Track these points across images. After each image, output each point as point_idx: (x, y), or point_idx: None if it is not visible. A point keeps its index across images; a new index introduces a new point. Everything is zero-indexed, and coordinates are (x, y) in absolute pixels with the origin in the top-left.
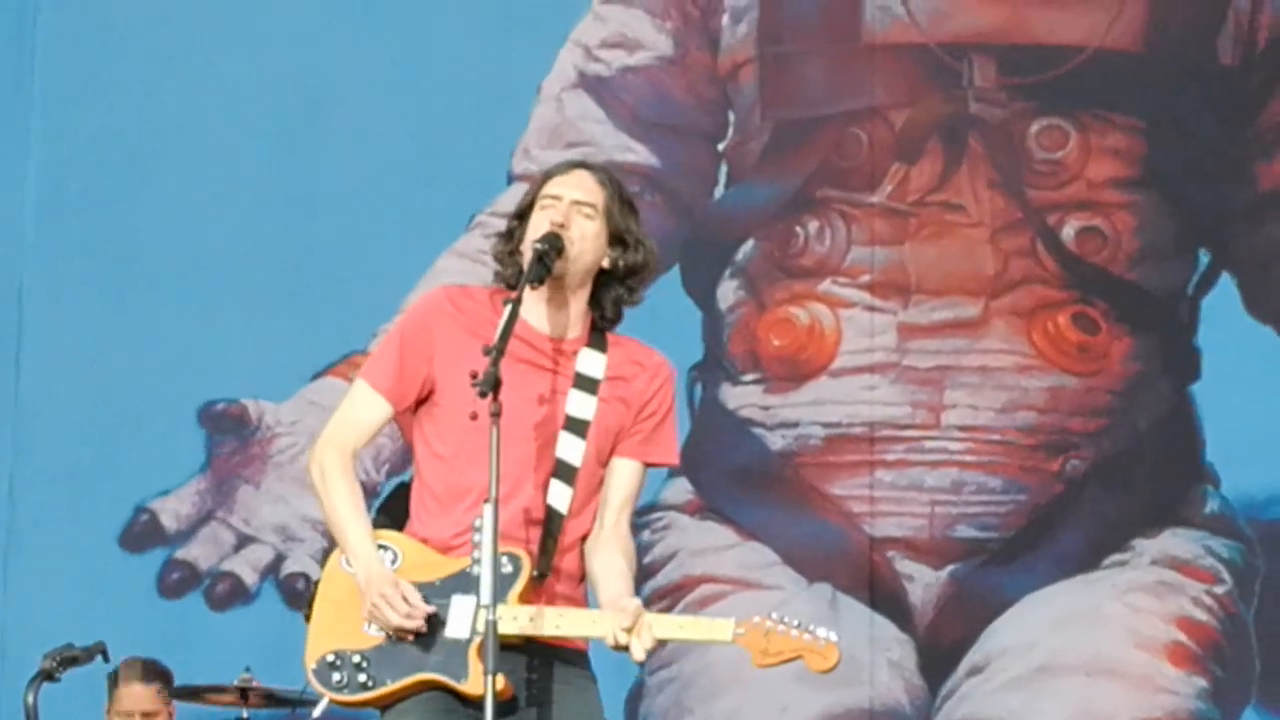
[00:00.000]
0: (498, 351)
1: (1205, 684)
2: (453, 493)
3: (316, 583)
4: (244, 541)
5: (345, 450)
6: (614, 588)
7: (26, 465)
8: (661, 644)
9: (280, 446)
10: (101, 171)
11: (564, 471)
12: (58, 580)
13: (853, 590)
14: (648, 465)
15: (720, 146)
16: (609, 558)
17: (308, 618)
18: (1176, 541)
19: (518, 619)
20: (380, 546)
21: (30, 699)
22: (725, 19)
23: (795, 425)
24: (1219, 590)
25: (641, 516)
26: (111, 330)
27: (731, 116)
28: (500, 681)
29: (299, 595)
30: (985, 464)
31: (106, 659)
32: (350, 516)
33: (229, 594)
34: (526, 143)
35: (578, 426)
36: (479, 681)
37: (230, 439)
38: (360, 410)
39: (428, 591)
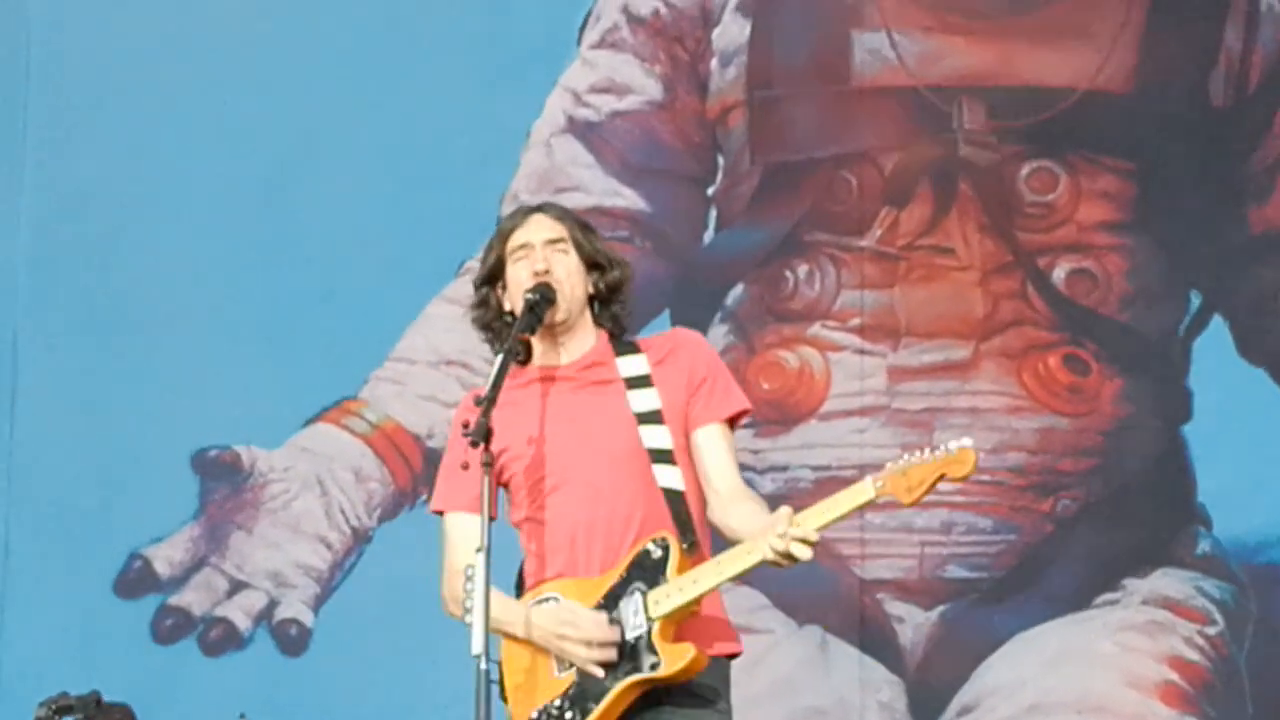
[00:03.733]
0: (489, 401)
1: None
2: (555, 535)
3: (498, 663)
4: (237, 587)
5: (460, 574)
6: (756, 522)
7: (21, 512)
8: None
9: (273, 493)
10: (93, 221)
11: (661, 456)
12: (52, 627)
13: (842, 632)
14: (727, 421)
15: (709, 191)
16: (740, 506)
17: (504, 695)
18: (1168, 581)
19: (683, 589)
20: (542, 600)
21: None
22: (714, 63)
23: (785, 469)
24: (1211, 631)
25: None
26: (105, 378)
27: (720, 160)
28: (688, 651)
29: (292, 641)
30: (975, 504)
31: (100, 709)
32: (496, 608)
33: (222, 640)
34: (516, 188)
35: (652, 417)
36: (673, 657)
37: (223, 485)
38: (453, 534)
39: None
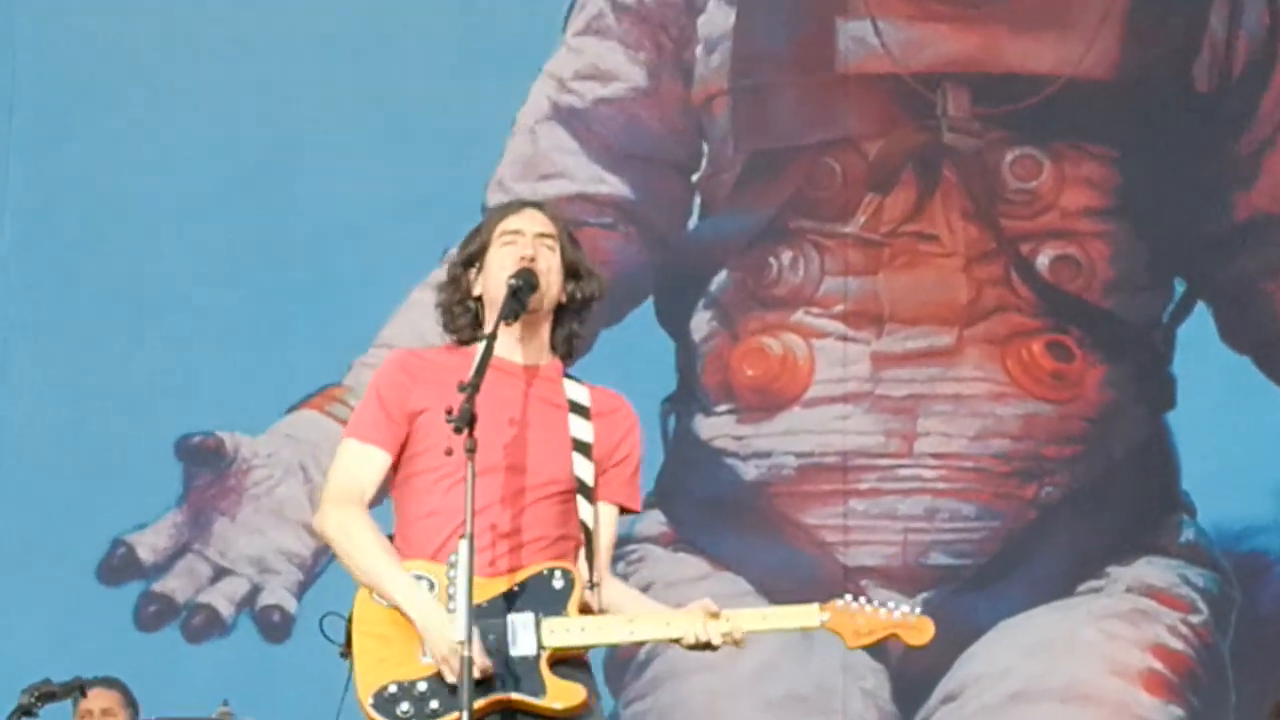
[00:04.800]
0: (473, 387)
1: (1181, 713)
2: (457, 518)
3: (348, 619)
4: (220, 574)
5: (357, 504)
6: (628, 601)
7: (4, 499)
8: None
9: (256, 479)
10: (78, 211)
11: (585, 491)
12: (35, 614)
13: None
14: (622, 511)
15: (694, 177)
16: (613, 583)
17: (345, 655)
18: (1152, 570)
19: (585, 629)
20: (418, 577)
21: None
22: (699, 50)
23: (768, 455)
24: (1195, 619)
25: (616, 549)
26: (89, 366)
27: (705, 147)
28: (578, 695)
29: (275, 627)
30: (959, 491)
31: (84, 695)
32: (387, 563)
33: (205, 626)
34: (501, 175)
35: (585, 450)
36: (559, 694)
37: (207, 471)
38: (357, 466)
39: (477, 614)
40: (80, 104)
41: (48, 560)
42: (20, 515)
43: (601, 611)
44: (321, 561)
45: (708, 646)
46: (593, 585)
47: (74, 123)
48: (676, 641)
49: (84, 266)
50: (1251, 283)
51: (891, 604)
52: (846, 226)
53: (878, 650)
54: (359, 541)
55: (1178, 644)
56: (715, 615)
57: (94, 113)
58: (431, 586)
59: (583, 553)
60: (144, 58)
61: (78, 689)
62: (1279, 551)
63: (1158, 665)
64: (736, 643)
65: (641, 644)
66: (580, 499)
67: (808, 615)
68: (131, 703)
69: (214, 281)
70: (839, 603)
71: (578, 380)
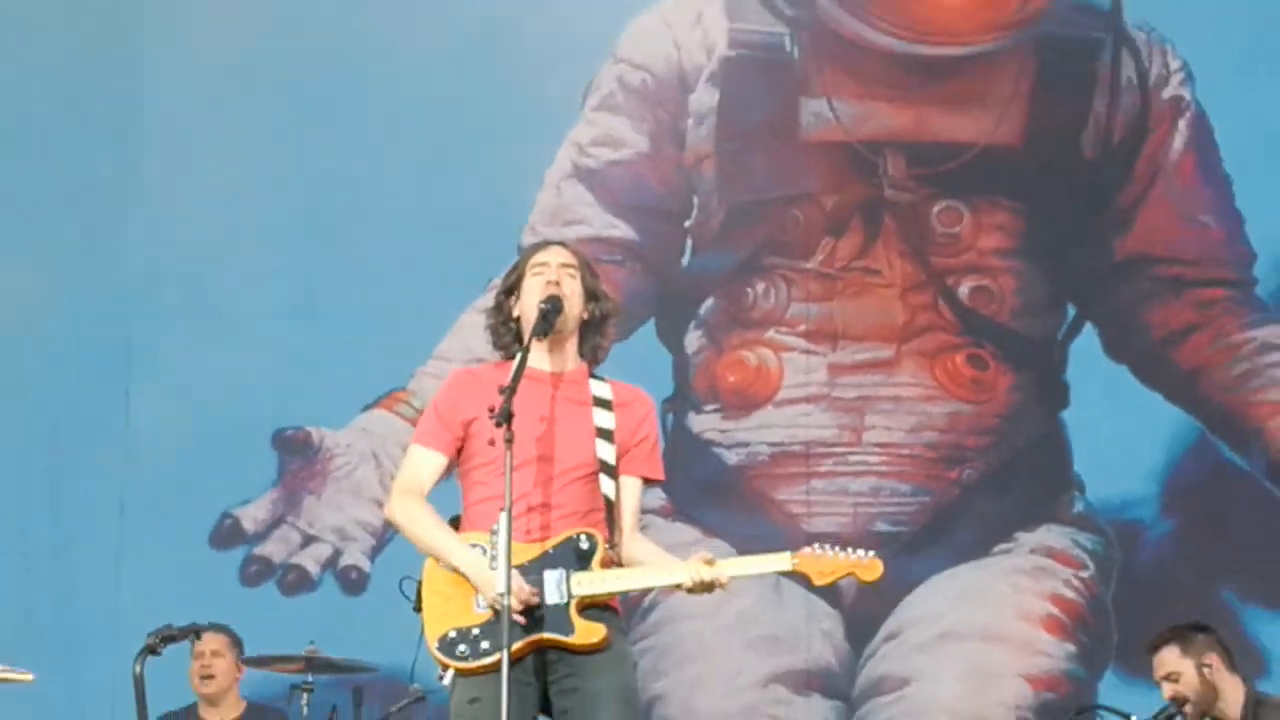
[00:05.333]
0: (510, 390)
1: (1075, 649)
2: (498, 503)
3: (419, 582)
4: (308, 541)
5: (418, 495)
6: (650, 553)
7: (135, 482)
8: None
9: (338, 465)
10: (193, 244)
11: (607, 469)
12: (160, 572)
13: (793, 576)
14: (646, 482)
15: (686, 224)
16: (637, 541)
17: (417, 610)
18: (1050, 535)
19: (606, 580)
20: (473, 545)
21: (138, 669)
22: (690, 122)
23: (747, 445)
24: (1085, 575)
25: None
26: (202, 372)
27: (695, 200)
28: (600, 631)
29: (353, 583)
30: (898, 473)
31: (199, 638)
32: (444, 536)
33: (297, 583)
34: (532, 221)
35: (607, 435)
36: (584, 633)
37: (297, 459)
38: (418, 465)
39: (519, 572)
40: (196, 146)
41: (170, 529)
42: (148, 494)
43: (624, 565)
44: (389, 531)
45: (705, 589)
46: (612, 545)
47: (190, 163)
48: (679, 587)
49: (198, 292)
50: (1128, 308)
51: (849, 549)
52: (808, 263)
53: (833, 599)
54: (421, 523)
55: (1071, 594)
56: (710, 563)
57: (208, 154)
58: (485, 552)
59: (614, 522)
60: (251, 114)
61: (194, 632)
62: (1150, 520)
63: (1055, 611)
64: (723, 586)
65: (652, 589)
66: (603, 476)
67: (782, 560)
68: (237, 644)
69: (304, 305)
70: (806, 550)
71: (602, 379)
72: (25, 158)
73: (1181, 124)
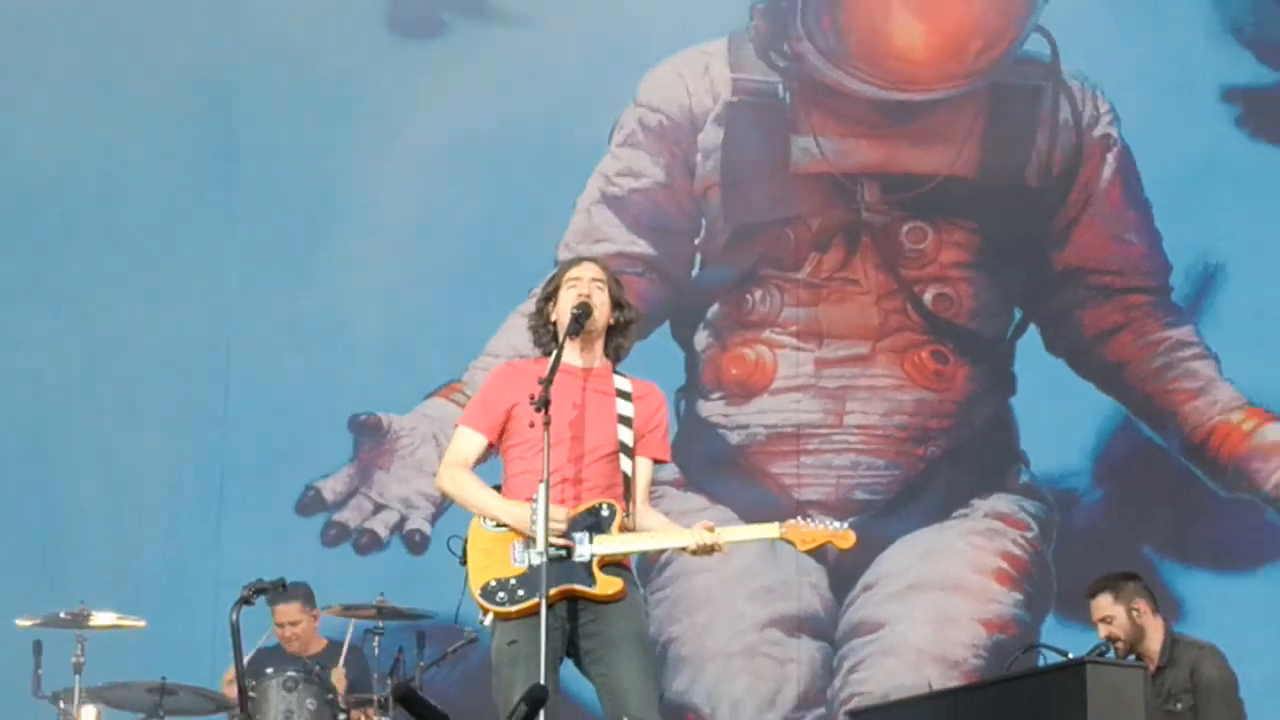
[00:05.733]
0: (548, 382)
1: (1021, 597)
2: (537, 476)
3: (465, 540)
4: (379, 509)
5: (462, 466)
6: (674, 525)
7: (233, 460)
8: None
9: (404, 445)
10: (286, 255)
11: (626, 450)
12: (254, 536)
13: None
14: (656, 462)
15: (696, 242)
16: (650, 513)
17: (463, 564)
18: (1001, 502)
19: (622, 543)
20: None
21: (234, 617)
22: (699, 157)
23: (747, 427)
24: (1029, 535)
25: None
26: (291, 366)
27: (704, 222)
28: (618, 584)
29: (417, 544)
30: (873, 450)
31: (285, 589)
32: (488, 496)
33: (369, 544)
34: (567, 239)
35: (627, 422)
36: (604, 585)
37: (370, 440)
38: (463, 443)
39: (562, 525)
40: (288, 174)
41: (262, 498)
42: (244, 469)
43: (638, 531)
44: (447, 501)
45: (706, 552)
46: (628, 514)
47: (282, 185)
48: (684, 550)
49: (288, 297)
50: (1065, 311)
51: (827, 521)
52: (798, 274)
53: (820, 555)
54: (468, 488)
55: (1018, 551)
56: (711, 530)
57: (298, 177)
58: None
59: (630, 495)
60: (325, 150)
61: (280, 585)
62: (1084, 489)
63: (1005, 565)
64: (721, 550)
65: (662, 552)
66: (623, 456)
67: (770, 530)
68: (310, 599)
69: (378, 312)
70: (791, 522)
71: (623, 375)
72: (152, 189)
73: (1109, 158)
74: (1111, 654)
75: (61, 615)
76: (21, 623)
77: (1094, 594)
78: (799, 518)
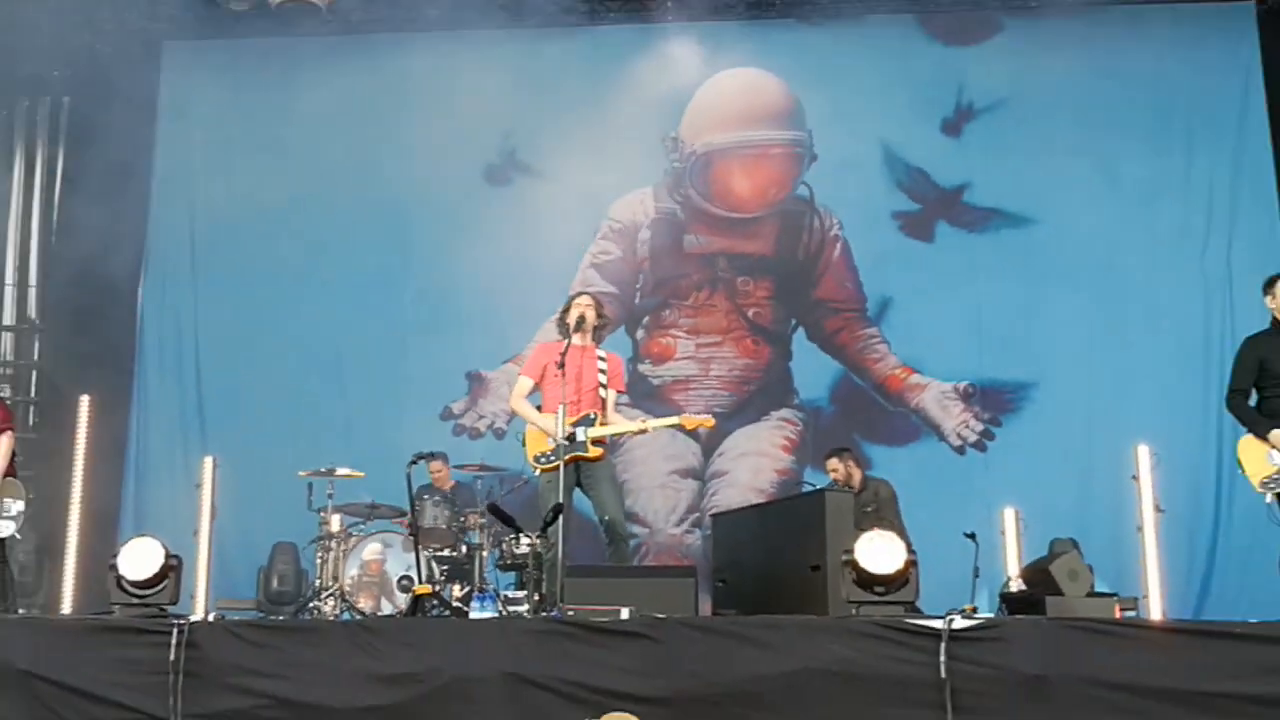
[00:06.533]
0: (564, 353)
1: (795, 459)
2: (559, 400)
3: (523, 434)
4: (480, 418)
5: (522, 397)
6: (627, 421)
7: (406, 400)
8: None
9: (492, 386)
10: (434, 285)
11: (603, 386)
12: (420, 430)
13: (679, 427)
14: (618, 393)
15: (637, 286)
16: (618, 416)
17: (524, 444)
18: (786, 411)
19: (602, 430)
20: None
21: (408, 471)
22: (639, 245)
23: (661, 377)
24: (799, 429)
25: (616, 407)
26: (434, 349)
27: (641, 277)
28: (600, 452)
29: (500, 433)
30: (724, 388)
31: (434, 458)
32: (534, 413)
33: (475, 435)
34: (574, 284)
35: (604, 373)
36: (593, 453)
37: (476, 383)
38: (523, 384)
39: (571, 425)
40: (449, 235)
41: (423, 410)
42: (413, 400)
43: (608, 425)
44: (513, 415)
45: (642, 432)
46: (604, 417)
47: (444, 242)
48: (632, 433)
49: (437, 312)
50: (818, 321)
51: (705, 414)
52: (688, 302)
53: (695, 435)
54: (525, 408)
55: (794, 436)
56: (644, 422)
57: (452, 243)
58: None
59: (606, 410)
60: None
61: (432, 455)
62: (825, 406)
63: (787, 443)
64: (648, 431)
65: (620, 434)
66: (601, 390)
67: (674, 420)
68: (446, 460)
69: (481, 318)
70: (685, 414)
71: (601, 352)
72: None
73: (838, 245)
74: (836, 488)
75: (321, 470)
76: (301, 474)
77: (828, 458)
78: (688, 413)
